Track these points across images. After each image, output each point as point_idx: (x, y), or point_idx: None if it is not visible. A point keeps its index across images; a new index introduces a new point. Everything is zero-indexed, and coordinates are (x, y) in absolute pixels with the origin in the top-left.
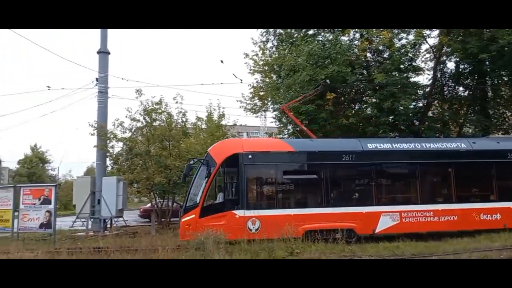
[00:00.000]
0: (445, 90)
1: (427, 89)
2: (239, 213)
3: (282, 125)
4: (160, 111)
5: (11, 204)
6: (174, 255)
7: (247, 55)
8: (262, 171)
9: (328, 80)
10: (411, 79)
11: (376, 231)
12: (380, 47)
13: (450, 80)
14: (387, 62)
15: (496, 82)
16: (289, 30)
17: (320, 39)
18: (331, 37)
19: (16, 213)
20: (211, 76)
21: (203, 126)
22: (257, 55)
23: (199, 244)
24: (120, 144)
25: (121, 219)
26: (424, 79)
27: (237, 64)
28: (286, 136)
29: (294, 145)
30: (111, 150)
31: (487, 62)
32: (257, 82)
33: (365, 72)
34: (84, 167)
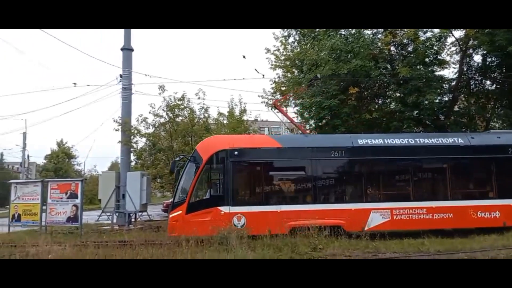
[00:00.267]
0: (471, 83)
1: (453, 83)
2: (224, 209)
3: (304, 120)
4: (183, 107)
5: (39, 198)
6: (198, 249)
7: (268, 50)
8: (248, 167)
9: (319, 75)
10: (437, 73)
11: (366, 228)
12: (405, 41)
13: (477, 74)
14: (412, 55)
15: None
16: None
17: (343, 33)
18: (354, 31)
19: (44, 207)
20: (233, 72)
21: (225, 122)
22: (278, 50)
23: (222, 239)
24: (144, 139)
25: (145, 213)
26: (449, 72)
27: (258, 59)
28: (308, 131)
29: (282, 141)
30: (135, 145)
31: None
32: (278, 77)
33: (389, 66)
34: (108, 162)
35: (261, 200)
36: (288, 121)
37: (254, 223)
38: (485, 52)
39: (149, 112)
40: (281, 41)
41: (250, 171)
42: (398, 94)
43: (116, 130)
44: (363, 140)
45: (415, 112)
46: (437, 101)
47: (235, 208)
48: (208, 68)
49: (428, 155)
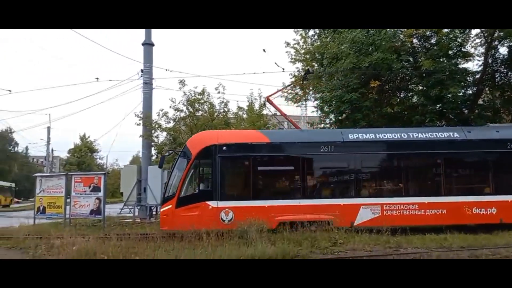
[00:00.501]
0: (496, 76)
1: (477, 76)
2: (212, 204)
3: (324, 114)
4: (203, 101)
5: (63, 191)
6: (218, 242)
7: (288, 44)
8: (236, 162)
9: (310, 68)
10: (460, 66)
11: (355, 223)
12: (428, 33)
13: (502, 66)
14: (435, 48)
15: None
16: None
17: None
18: None
19: (68, 200)
20: (252, 66)
21: (244, 116)
22: (298, 43)
23: (242, 233)
24: (165, 133)
25: None
26: (474, 65)
27: (278, 53)
28: (327, 126)
29: (271, 136)
30: (156, 139)
31: None
32: (298, 71)
33: (411, 58)
34: (130, 156)
35: (248, 195)
36: (308, 115)
37: (241, 218)
38: (511, 43)
39: (170, 107)
40: (301, 35)
41: (238, 166)
42: (420, 87)
43: (137, 124)
44: (354, 135)
45: (438, 105)
46: (460, 94)
47: (223, 203)
48: (228, 62)
49: (420, 150)
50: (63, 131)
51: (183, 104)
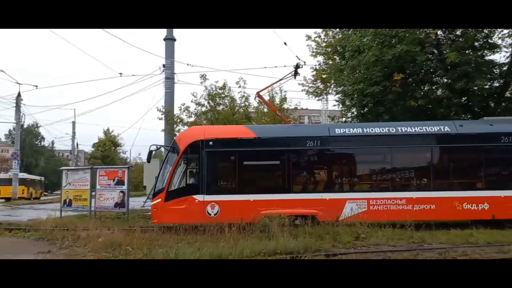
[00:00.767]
0: None
1: (505, 68)
2: (198, 197)
3: (345, 108)
4: (224, 95)
5: (88, 184)
6: (240, 236)
7: (309, 37)
8: (222, 157)
9: (303, 62)
10: (487, 57)
11: (340, 218)
12: None
13: None
14: (460, 39)
15: None
16: None
17: None
18: None
19: (93, 193)
20: (273, 59)
21: (265, 110)
22: (319, 36)
23: (263, 227)
24: (186, 128)
25: None
26: (501, 57)
27: (299, 46)
28: (349, 119)
29: (257, 132)
30: (177, 134)
31: None
32: (319, 64)
33: (435, 51)
34: None
35: (234, 189)
36: (329, 109)
37: (227, 212)
38: None
39: (191, 101)
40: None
41: (224, 160)
42: (445, 80)
43: (159, 119)
44: (341, 129)
45: (464, 98)
46: (487, 87)
47: (209, 196)
48: (249, 56)
49: (409, 144)
50: (88, 126)
51: (204, 98)
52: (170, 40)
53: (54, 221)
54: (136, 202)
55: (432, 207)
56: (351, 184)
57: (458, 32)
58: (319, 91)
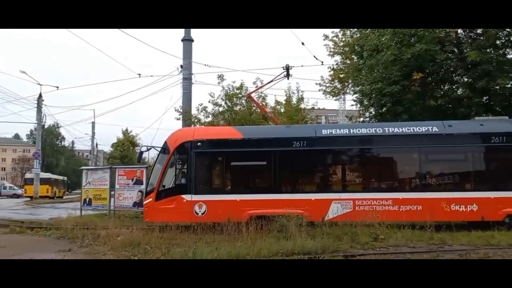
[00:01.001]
0: None
1: None
2: (187, 197)
3: (363, 107)
4: (241, 95)
5: (108, 184)
6: (257, 235)
7: (326, 37)
8: (210, 158)
9: (289, 65)
10: (509, 56)
11: (326, 218)
12: None
13: None
14: (481, 38)
15: None
16: None
17: None
18: None
19: (112, 192)
20: (290, 59)
21: (282, 110)
22: (337, 36)
23: (281, 227)
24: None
25: None
26: None
27: (316, 46)
28: (367, 119)
29: (244, 133)
30: None
31: None
32: (337, 64)
33: (456, 49)
34: None
35: (221, 189)
36: (347, 108)
37: (214, 211)
38: None
39: (209, 101)
40: None
41: (211, 161)
42: (466, 79)
43: (177, 119)
44: (328, 130)
45: (485, 98)
46: (509, 86)
47: (197, 196)
48: (265, 56)
49: (395, 144)
50: (107, 126)
51: (222, 98)
52: (188, 41)
53: (75, 220)
54: None
55: (418, 208)
56: (337, 184)
57: (479, 31)
58: (336, 91)
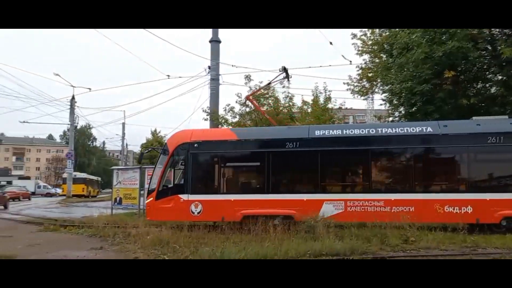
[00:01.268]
0: None
1: None
2: (183, 197)
3: (392, 107)
4: (268, 95)
5: (137, 183)
6: (285, 236)
7: (355, 36)
8: (206, 158)
9: (285, 67)
10: None
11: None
12: None
13: None
14: None
15: None
16: None
17: None
18: None
19: (141, 192)
20: (318, 59)
21: (309, 110)
22: (365, 34)
23: (309, 227)
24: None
25: None
26: None
27: (344, 45)
28: (396, 119)
29: (239, 134)
30: None
31: None
32: (365, 63)
33: (489, 47)
34: None
35: (216, 189)
36: (375, 108)
37: (209, 211)
38: None
39: (236, 102)
40: None
41: (207, 162)
42: (500, 77)
43: (205, 119)
44: (320, 131)
45: None
46: None
47: (193, 196)
48: (293, 55)
49: (388, 145)
50: (137, 126)
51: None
52: (215, 42)
53: (106, 219)
54: None
55: (411, 209)
56: (328, 185)
57: None
58: (364, 90)
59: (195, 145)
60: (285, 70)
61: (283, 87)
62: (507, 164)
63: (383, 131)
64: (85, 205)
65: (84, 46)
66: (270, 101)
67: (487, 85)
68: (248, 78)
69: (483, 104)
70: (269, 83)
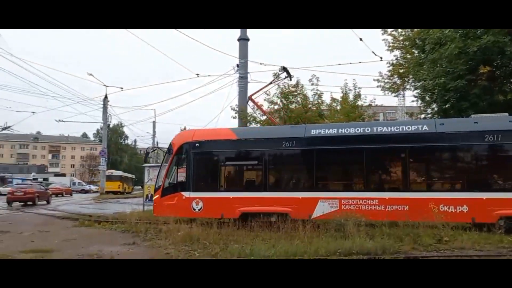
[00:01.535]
0: None
1: None
2: (186, 194)
3: (424, 103)
4: (296, 93)
5: None
6: (314, 234)
7: (385, 31)
8: (207, 157)
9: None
10: None
11: (312, 217)
12: None
13: None
14: None
15: None
16: None
17: None
18: None
19: None
20: (347, 56)
21: (338, 107)
22: (396, 30)
23: (338, 226)
24: (259, 126)
25: None
26: None
27: (374, 41)
28: (429, 116)
29: (239, 133)
30: None
31: None
32: (396, 59)
33: None
34: None
35: (216, 187)
36: (406, 105)
37: (209, 208)
38: None
39: (264, 100)
40: None
41: (208, 160)
42: None
43: (233, 117)
44: (316, 130)
45: None
46: None
47: (195, 193)
48: (322, 52)
49: (383, 144)
50: (167, 124)
51: (277, 96)
52: (243, 41)
53: (138, 215)
54: None
55: (405, 208)
56: (323, 183)
57: None
58: (395, 87)
59: (196, 144)
60: (284, 69)
61: (312, 84)
62: (505, 163)
63: (378, 130)
64: (118, 201)
65: (115, 45)
66: (299, 98)
67: None
68: (276, 75)
69: None
70: (271, 82)
